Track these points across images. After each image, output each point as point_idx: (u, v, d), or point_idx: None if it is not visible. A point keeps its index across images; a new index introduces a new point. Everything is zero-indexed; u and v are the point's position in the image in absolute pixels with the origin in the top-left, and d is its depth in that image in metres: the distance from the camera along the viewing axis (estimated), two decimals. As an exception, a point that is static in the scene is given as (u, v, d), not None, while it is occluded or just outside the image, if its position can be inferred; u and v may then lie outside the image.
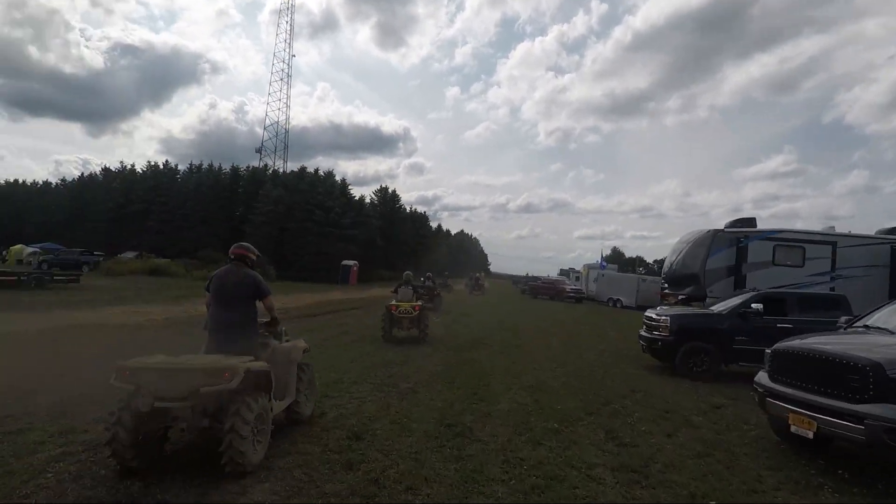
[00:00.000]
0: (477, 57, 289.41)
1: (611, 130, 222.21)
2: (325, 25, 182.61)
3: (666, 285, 14.96)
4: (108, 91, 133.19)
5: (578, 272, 46.73)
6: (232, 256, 4.52)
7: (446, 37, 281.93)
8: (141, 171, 53.45)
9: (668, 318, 9.51)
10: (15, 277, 18.44)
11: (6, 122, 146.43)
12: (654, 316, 10.02)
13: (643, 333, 10.29)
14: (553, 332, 15.65)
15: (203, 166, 53.18)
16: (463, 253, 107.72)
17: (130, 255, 41.68)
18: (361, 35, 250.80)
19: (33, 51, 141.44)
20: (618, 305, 34.29)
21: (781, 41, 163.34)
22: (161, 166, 53.37)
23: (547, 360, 10.29)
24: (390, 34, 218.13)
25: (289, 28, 72.60)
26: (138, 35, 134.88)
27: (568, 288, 37.04)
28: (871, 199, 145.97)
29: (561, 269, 55.97)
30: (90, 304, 15.52)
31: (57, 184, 62.64)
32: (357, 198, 55.34)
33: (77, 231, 50.15)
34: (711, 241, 13.52)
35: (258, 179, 51.22)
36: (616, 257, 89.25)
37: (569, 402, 6.76)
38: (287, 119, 70.94)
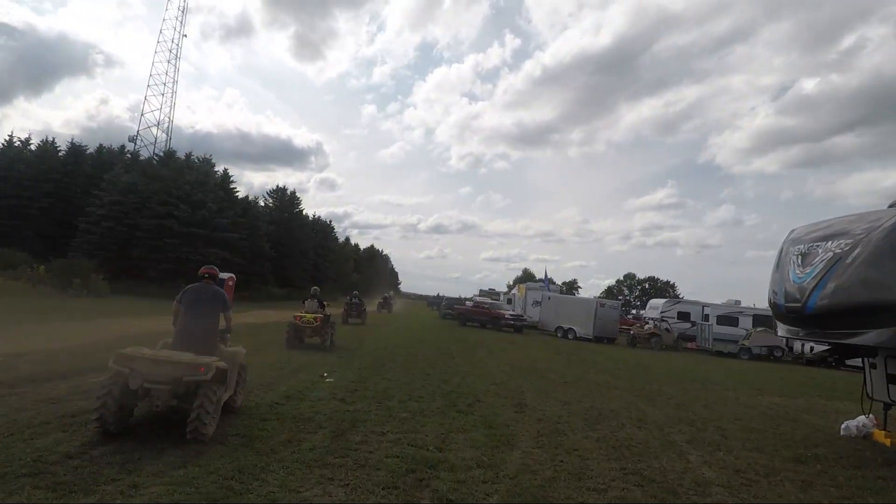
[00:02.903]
0: (395, 77, 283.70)
1: (519, 158, 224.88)
2: (240, 30, 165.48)
3: (787, 323, 7.33)
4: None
5: (512, 293, 39.48)
6: (205, 275, 5.74)
7: (365, 55, 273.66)
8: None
9: None
10: None
11: None
12: None
13: None
14: (561, 416, 7.54)
15: (29, 141, 39.86)
16: (373, 269, 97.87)
17: None
18: (277, 44, 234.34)
19: None
20: (570, 336, 26.99)
21: (666, 87, 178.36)
22: (-36, 137, 39.07)
23: None
24: (308, 46, 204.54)
25: (183, 4, 60.40)
26: (17, 15, 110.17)
27: (507, 314, 29.13)
28: (736, 231, 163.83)
29: (481, 290, 48.50)
30: None
31: None
32: (244, 196, 44.76)
33: None
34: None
35: (107, 162, 39.20)
36: (527, 278, 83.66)
37: None
38: (172, 107, 58.51)
